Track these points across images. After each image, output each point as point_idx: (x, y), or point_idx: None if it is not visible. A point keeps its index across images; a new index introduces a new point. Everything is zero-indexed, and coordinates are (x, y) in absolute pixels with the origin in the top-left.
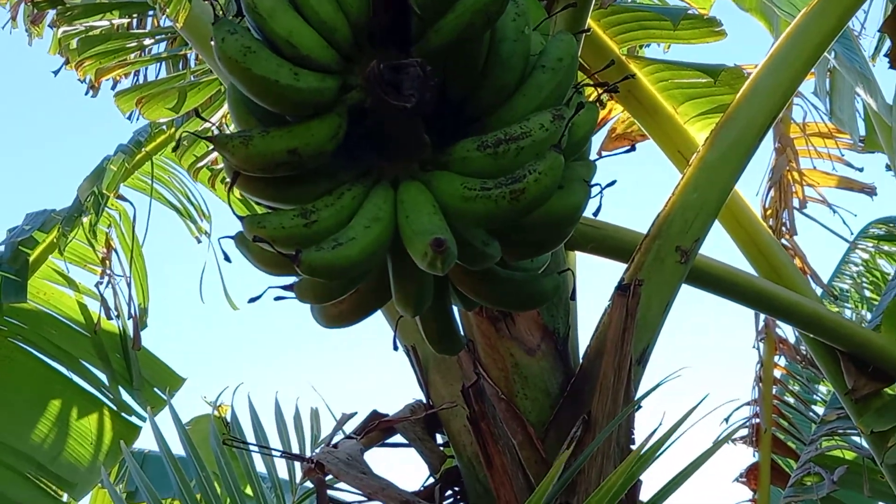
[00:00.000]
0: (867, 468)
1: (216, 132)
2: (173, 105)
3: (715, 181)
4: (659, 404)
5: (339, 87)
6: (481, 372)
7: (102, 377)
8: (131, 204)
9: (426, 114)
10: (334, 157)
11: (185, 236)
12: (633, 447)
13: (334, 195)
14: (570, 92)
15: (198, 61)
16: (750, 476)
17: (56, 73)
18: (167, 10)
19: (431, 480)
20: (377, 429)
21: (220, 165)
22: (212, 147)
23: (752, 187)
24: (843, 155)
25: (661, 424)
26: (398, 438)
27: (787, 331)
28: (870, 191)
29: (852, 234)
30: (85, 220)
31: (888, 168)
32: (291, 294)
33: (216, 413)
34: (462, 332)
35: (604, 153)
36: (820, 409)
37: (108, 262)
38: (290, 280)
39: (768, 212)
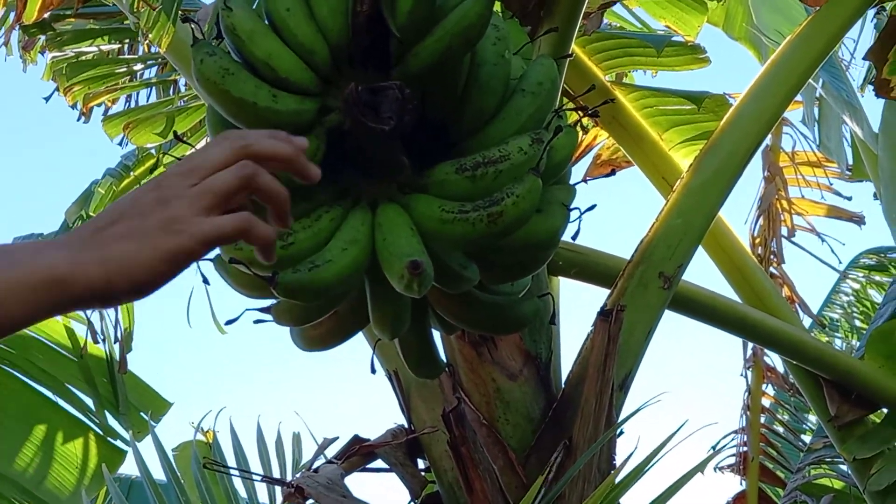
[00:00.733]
0: (854, 497)
1: None
2: (161, 130)
3: (698, 207)
4: (644, 430)
5: (317, 110)
6: (462, 397)
7: (89, 401)
8: None
9: (405, 136)
10: None
11: None
12: (614, 472)
13: (312, 217)
14: (549, 116)
15: (187, 86)
16: None
17: (47, 99)
18: (150, 35)
19: None
20: (358, 453)
21: None
22: None
23: (740, 215)
24: (831, 184)
25: (636, 449)
26: (379, 463)
27: (775, 359)
28: (858, 220)
29: (841, 262)
30: None
31: (876, 197)
32: (269, 317)
33: (200, 438)
34: (442, 357)
35: (589, 179)
36: (809, 438)
37: None
38: (269, 302)
39: (757, 240)
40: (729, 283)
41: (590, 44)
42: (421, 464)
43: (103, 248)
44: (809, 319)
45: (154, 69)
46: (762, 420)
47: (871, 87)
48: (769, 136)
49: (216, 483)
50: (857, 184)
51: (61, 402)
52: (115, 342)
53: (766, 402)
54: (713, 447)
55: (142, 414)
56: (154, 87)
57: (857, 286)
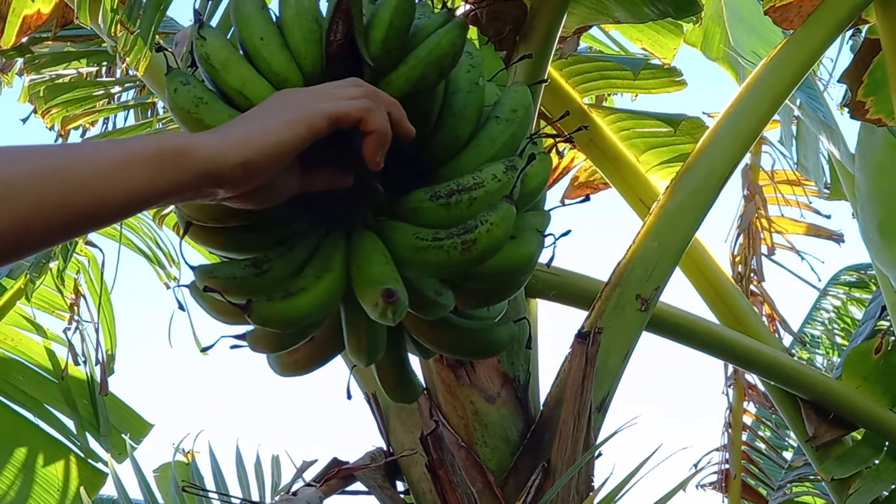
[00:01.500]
0: None
1: None
2: None
3: (675, 229)
4: (625, 451)
5: None
6: (440, 419)
7: (70, 423)
8: (100, 249)
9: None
10: (287, 205)
11: (155, 281)
12: (592, 493)
13: (286, 245)
14: (524, 143)
15: (165, 109)
16: None
17: (24, 120)
18: (128, 59)
19: None
20: (337, 476)
21: None
22: None
23: (720, 234)
24: (810, 202)
25: (612, 474)
26: (358, 486)
27: (755, 377)
28: (837, 238)
29: (820, 280)
30: (53, 266)
31: (854, 216)
32: (245, 343)
33: (180, 459)
34: (420, 380)
35: (566, 201)
36: (790, 455)
37: (76, 307)
38: (245, 328)
39: (737, 258)
40: (706, 304)
41: (566, 66)
42: (400, 486)
43: (223, 129)
44: (790, 337)
45: (132, 92)
46: (744, 437)
47: (847, 109)
48: (748, 154)
49: None
50: (837, 202)
51: (42, 424)
52: (96, 364)
53: (747, 419)
54: (695, 465)
55: (123, 435)
56: (132, 110)
57: (837, 303)
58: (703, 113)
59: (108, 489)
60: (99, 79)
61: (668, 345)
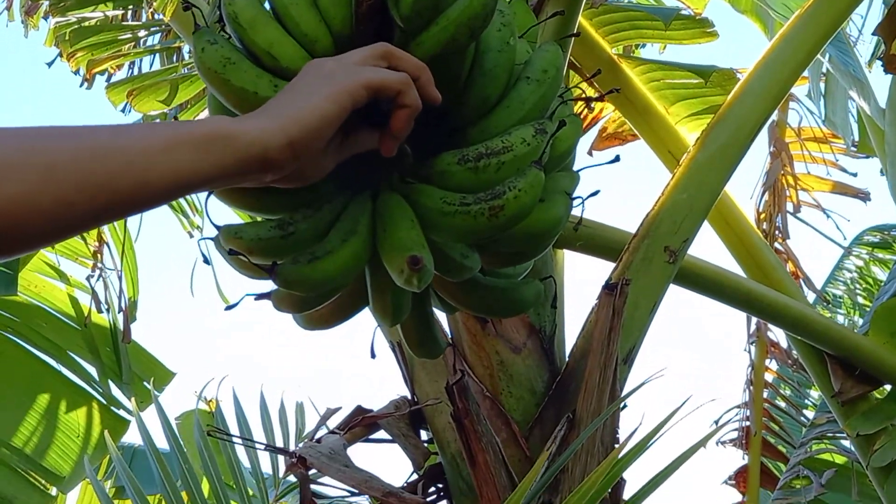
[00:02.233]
0: (856, 472)
1: None
2: (165, 97)
3: (705, 182)
4: (648, 404)
5: None
6: (465, 369)
7: (92, 371)
8: None
9: None
10: None
11: (178, 230)
12: (618, 446)
13: (313, 207)
14: (555, 103)
15: (190, 54)
16: (739, 479)
17: (50, 64)
18: (155, 3)
19: (415, 477)
20: (361, 424)
21: None
22: None
23: (746, 191)
24: (837, 160)
25: (640, 424)
26: (382, 434)
27: (778, 334)
28: (864, 196)
29: (846, 239)
30: None
31: (882, 173)
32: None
33: (203, 407)
34: (444, 335)
35: (594, 152)
36: (811, 414)
37: (99, 255)
38: (269, 284)
39: (762, 216)
40: (734, 258)
41: (597, 16)
42: (424, 435)
43: (265, 110)
44: (813, 296)
45: (158, 36)
46: (765, 395)
47: (879, 63)
48: (775, 111)
49: (219, 452)
50: (863, 160)
51: (65, 371)
52: (119, 311)
53: (769, 377)
54: (716, 422)
55: (145, 383)
56: (158, 55)
57: (860, 263)
58: (731, 69)
59: (129, 437)
60: (125, 22)
61: (691, 299)
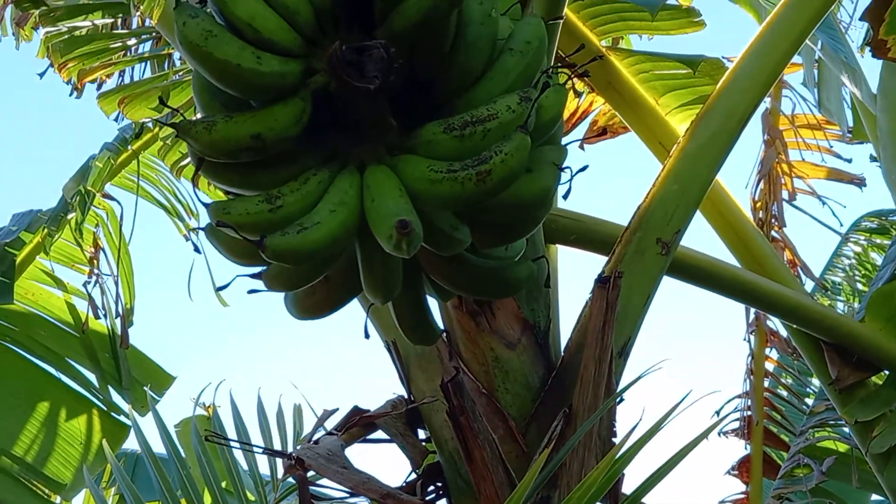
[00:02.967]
0: (856, 459)
1: None
2: (156, 105)
3: (696, 172)
4: (646, 396)
5: (302, 71)
6: (461, 366)
7: (91, 377)
8: (118, 202)
9: (392, 97)
10: (299, 141)
11: (174, 234)
12: (615, 440)
13: (300, 180)
14: (538, 75)
15: (181, 60)
16: (742, 469)
17: (41, 75)
18: (141, 7)
19: (413, 476)
20: (358, 424)
21: None
22: None
23: (741, 180)
24: (831, 146)
25: (641, 420)
26: (380, 434)
27: (777, 323)
28: (859, 182)
29: (842, 225)
30: (71, 218)
31: (872, 159)
32: (262, 284)
33: (202, 412)
34: (438, 324)
35: (586, 145)
36: (812, 402)
37: (95, 261)
38: (261, 269)
39: (758, 204)
40: (728, 248)
41: (584, 9)
42: (421, 434)
43: None
44: (811, 283)
45: (148, 44)
46: (766, 384)
47: (869, 49)
48: (768, 99)
49: (217, 458)
50: (858, 146)
51: (64, 379)
52: (116, 317)
53: (769, 366)
54: (717, 412)
55: (145, 388)
56: (148, 62)
57: (858, 249)
58: (723, 57)
59: (132, 443)
60: (115, 31)
61: (686, 291)
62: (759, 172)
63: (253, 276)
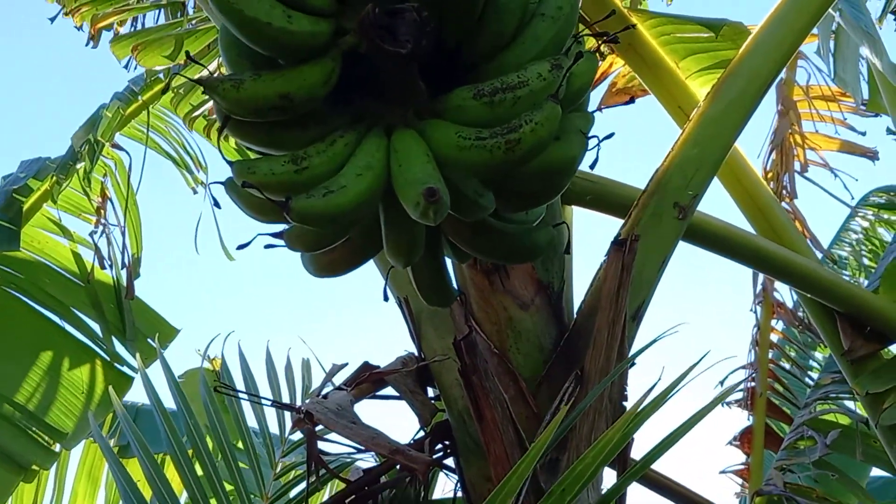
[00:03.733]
0: (860, 433)
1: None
2: (169, 53)
3: (716, 137)
4: (655, 361)
5: (332, 31)
6: (473, 325)
7: (96, 327)
8: (127, 153)
9: (421, 60)
10: (326, 102)
11: (182, 186)
12: (626, 403)
13: (326, 142)
14: (569, 41)
15: (196, 8)
16: (744, 440)
17: (52, 19)
18: None
19: (422, 434)
20: (368, 380)
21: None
22: (207, 96)
23: (753, 149)
24: (845, 119)
25: (659, 380)
26: (389, 391)
27: (784, 295)
28: (872, 155)
29: (853, 199)
30: (80, 167)
31: (889, 132)
32: (281, 242)
33: (207, 365)
34: (454, 285)
35: (604, 107)
36: (816, 375)
37: (102, 210)
38: (280, 227)
39: (769, 174)
40: (744, 215)
41: None
42: (431, 392)
43: None
44: (820, 255)
45: None
46: (770, 356)
47: (891, 17)
48: (784, 68)
49: (226, 410)
50: (871, 119)
51: (68, 328)
52: (122, 268)
53: (774, 337)
54: (721, 383)
55: (149, 340)
56: (162, 9)
57: (866, 224)
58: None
59: (132, 395)
60: None
61: (691, 255)
62: (771, 143)
63: (274, 234)
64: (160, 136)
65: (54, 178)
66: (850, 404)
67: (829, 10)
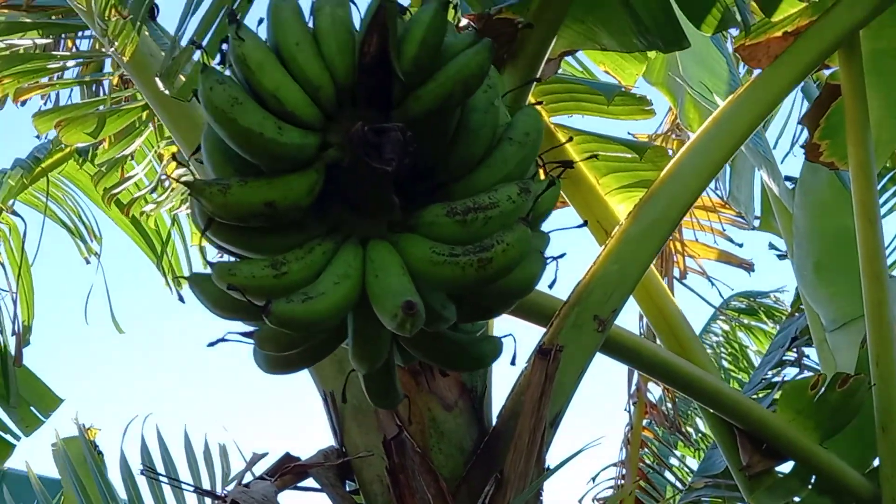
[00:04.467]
0: None
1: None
2: (92, 130)
3: (636, 255)
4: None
5: (319, 145)
6: (400, 424)
7: None
8: (22, 219)
9: (398, 177)
10: (307, 212)
11: (76, 256)
12: None
13: (304, 248)
14: (532, 167)
15: (115, 87)
16: None
17: None
18: (116, 44)
19: None
20: (291, 472)
21: (137, 194)
22: (129, 176)
23: None
24: (724, 230)
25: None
26: (311, 482)
27: (657, 396)
28: (748, 266)
29: (723, 300)
30: None
31: (771, 246)
32: (249, 340)
33: (70, 436)
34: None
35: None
36: (671, 476)
37: None
38: (237, 324)
39: None
40: (652, 328)
41: (538, 86)
42: (349, 486)
43: None
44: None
45: (79, 69)
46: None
47: (803, 150)
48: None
49: (91, 482)
50: (750, 232)
51: None
52: (12, 335)
53: (646, 435)
54: (593, 478)
55: (32, 409)
56: (81, 86)
57: (726, 327)
58: (628, 133)
59: (12, 462)
60: (54, 52)
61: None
62: None
63: (244, 334)
64: (57, 204)
65: None
66: None
67: (748, 140)
